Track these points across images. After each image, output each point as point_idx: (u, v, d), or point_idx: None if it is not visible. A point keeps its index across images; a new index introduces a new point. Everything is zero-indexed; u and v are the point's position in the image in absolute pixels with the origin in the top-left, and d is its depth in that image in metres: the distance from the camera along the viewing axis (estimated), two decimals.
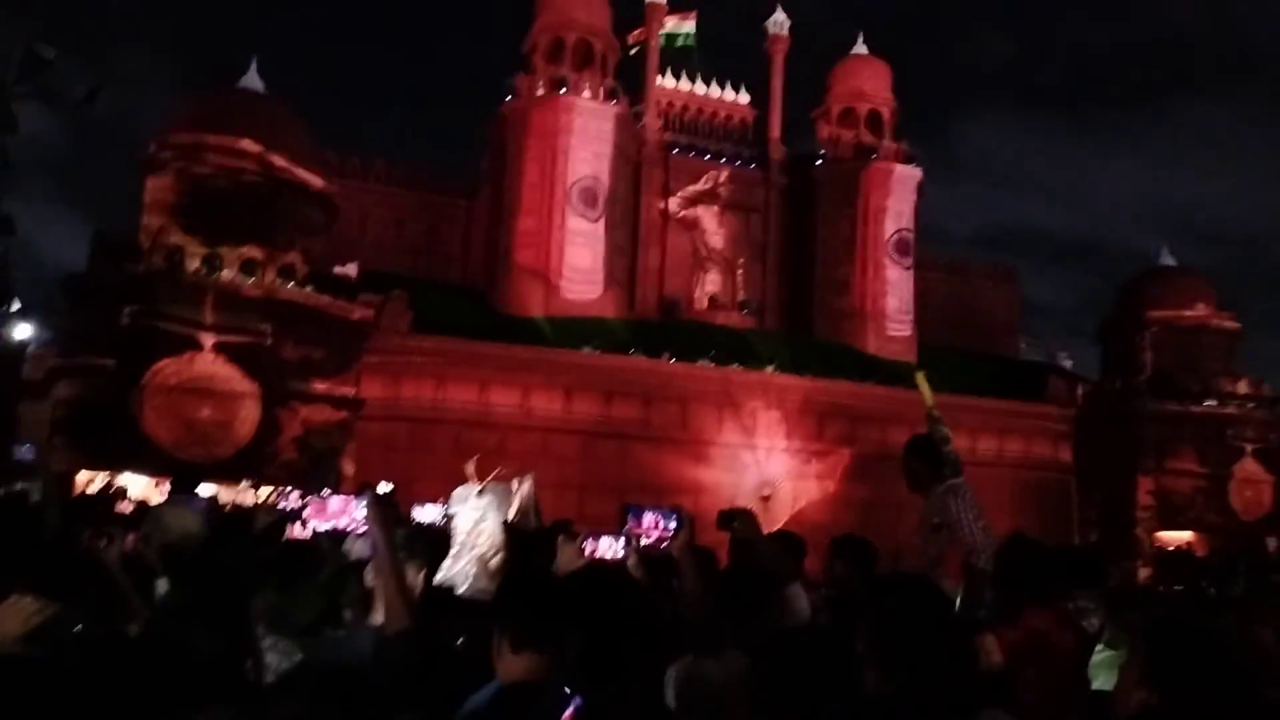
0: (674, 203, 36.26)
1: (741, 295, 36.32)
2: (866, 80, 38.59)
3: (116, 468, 19.59)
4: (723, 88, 38.73)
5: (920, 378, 6.23)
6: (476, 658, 2.95)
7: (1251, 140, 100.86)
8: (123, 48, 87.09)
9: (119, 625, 3.74)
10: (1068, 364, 35.28)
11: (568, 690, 2.47)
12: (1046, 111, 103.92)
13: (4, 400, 21.68)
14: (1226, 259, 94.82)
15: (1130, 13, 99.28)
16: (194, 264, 21.50)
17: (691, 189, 36.47)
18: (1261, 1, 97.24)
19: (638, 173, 35.54)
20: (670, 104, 37.78)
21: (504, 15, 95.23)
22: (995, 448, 29.06)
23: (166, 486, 17.54)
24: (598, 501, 21.92)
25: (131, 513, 8.92)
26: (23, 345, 22.22)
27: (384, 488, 6.31)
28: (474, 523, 5.88)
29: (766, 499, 26.77)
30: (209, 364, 21.03)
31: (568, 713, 2.37)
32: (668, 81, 37.95)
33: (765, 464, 28.04)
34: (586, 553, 6.21)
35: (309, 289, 22.77)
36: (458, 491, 6.17)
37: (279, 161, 23.97)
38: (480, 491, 5.82)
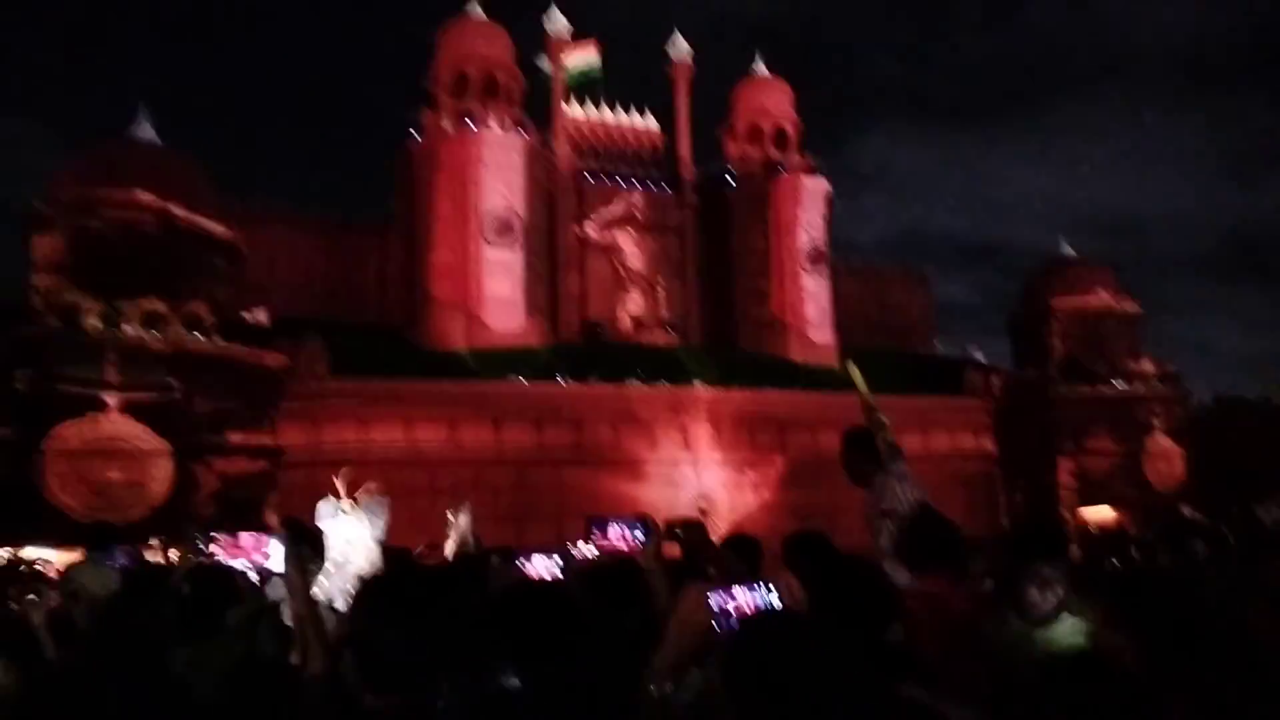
0: (590, 227, 36.34)
1: (665, 314, 36.50)
2: (769, 98, 39.47)
3: (20, 541, 18.44)
4: (629, 112, 39.15)
5: (851, 366, 6.26)
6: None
7: (1124, 135, 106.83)
8: None
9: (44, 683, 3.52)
10: (981, 358, 36.33)
11: None
12: (935, 121, 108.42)
13: None
14: (1119, 248, 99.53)
15: (1002, 24, 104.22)
16: (92, 321, 20.51)
17: (607, 213, 36.61)
18: (1122, 6, 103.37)
19: (552, 200, 35.53)
20: (579, 131, 37.95)
21: (404, 52, 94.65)
22: (920, 444, 29.57)
23: (76, 554, 16.56)
24: (536, 530, 21.56)
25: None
26: None
27: (325, 508, 6.05)
28: (344, 538, 5.71)
29: (704, 512, 26.76)
30: (115, 424, 20.03)
31: None
32: (575, 110, 38.14)
33: (701, 478, 28.07)
34: (530, 572, 6.06)
35: (218, 339, 21.96)
36: (322, 506, 5.97)
37: (177, 210, 23.11)
38: (346, 506, 5.68)
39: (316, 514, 5.87)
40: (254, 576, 5.67)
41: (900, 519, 4.86)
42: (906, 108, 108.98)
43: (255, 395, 22.76)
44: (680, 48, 40.19)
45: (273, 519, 21.41)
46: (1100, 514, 29.00)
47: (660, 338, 35.06)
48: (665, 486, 27.56)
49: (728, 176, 38.60)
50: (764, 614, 2.84)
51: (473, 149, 32.22)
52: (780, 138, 38.94)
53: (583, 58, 38.75)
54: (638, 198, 37.14)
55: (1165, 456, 29.75)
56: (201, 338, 21.59)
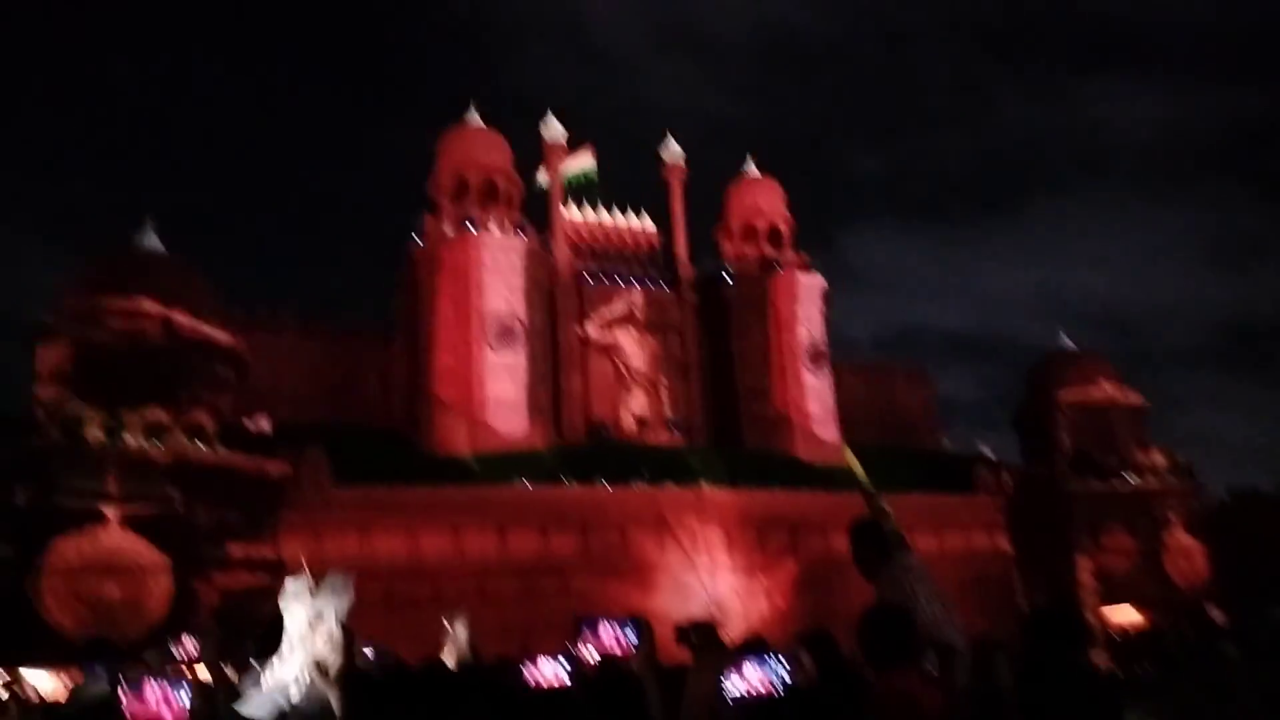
0: (591, 328, 36.46)
1: (668, 413, 36.30)
2: (761, 197, 40.28)
3: (15, 663, 17.68)
4: (626, 213, 39.83)
5: (847, 452, 6.16)
6: None
7: (1108, 228, 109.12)
8: None
9: None
10: (990, 454, 36.04)
11: None
12: (921, 218, 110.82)
13: None
14: (1114, 340, 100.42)
15: (979, 122, 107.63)
16: (94, 433, 20.20)
17: (608, 312, 36.80)
18: (1106, 106, 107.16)
19: (553, 302, 35.75)
20: (578, 233, 38.51)
21: (405, 160, 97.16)
22: (935, 543, 29.03)
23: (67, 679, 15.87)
24: (542, 642, 20.79)
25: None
26: None
27: (291, 586, 5.79)
28: (307, 622, 5.43)
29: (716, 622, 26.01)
30: (115, 538, 19.49)
31: None
32: (573, 212, 38.81)
33: (712, 584, 27.34)
34: (538, 678, 5.77)
35: (220, 448, 21.61)
36: (289, 585, 5.69)
37: (181, 319, 23.08)
38: (314, 587, 5.39)
39: (282, 592, 5.57)
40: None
41: (929, 614, 4.71)
42: (892, 206, 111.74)
43: (257, 505, 22.28)
44: (673, 150, 41.21)
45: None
46: (1123, 614, 28.21)
47: (665, 437, 34.78)
48: (675, 594, 26.84)
49: (725, 274, 39.02)
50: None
51: (474, 252, 32.58)
52: (774, 235, 39.58)
53: (578, 162, 39.72)
54: (637, 296, 37.41)
55: (1186, 553, 29.15)
56: (203, 447, 21.26)
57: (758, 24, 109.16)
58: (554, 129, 39.70)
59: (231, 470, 21.66)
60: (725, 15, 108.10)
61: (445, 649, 9.05)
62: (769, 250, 39.28)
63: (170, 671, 6.00)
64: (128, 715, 4.68)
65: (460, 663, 7.64)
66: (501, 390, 31.54)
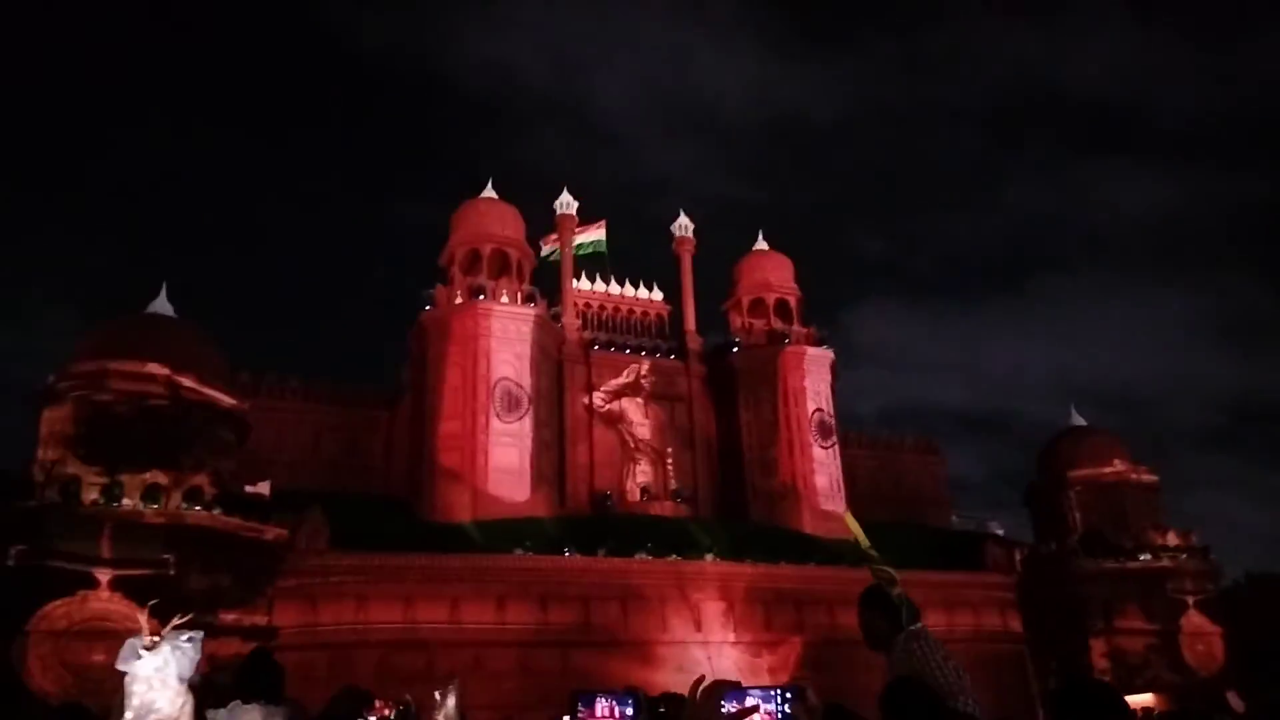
0: (598, 397, 36.43)
1: (673, 484, 35.93)
2: (771, 272, 40.58)
3: None
4: (636, 287, 40.26)
5: (848, 517, 5.96)
6: None
7: (1115, 311, 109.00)
8: (12, 288, 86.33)
9: None
10: (1000, 531, 35.34)
11: None
12: (926, 297, 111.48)
13: None
14: (1120, 420, 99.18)
15: (985, 203, 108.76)
16: (91, 494, 20.12)
17: (615, 382, 36.81)
18: (1108, 188, 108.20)
19: (560, 371, 35.82)
20: (588, 305, 38.84)
21: (420, 235, 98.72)
22: (945, 622, 28.29)
23: None
24: (536, 717, 20.18)
25: None
26: None
27: (127, 648, 5.59)
28: (147, 682, 5.20)
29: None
30: (104, 602, 19.21)
31: None
32: (584, 284, 39.22)
33: (716, 660, 26.58)
34: None
35: (217, 511, 21.45)
36: (129, 643, 5.48)
37: (186, 382, 23.19)
38: (153, 644, 5.18)
39: (121, 653, 5.35)
40: None
41: (943, 682, 4.48)
42: (898, 285, 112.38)
43: (252, 570, 21.98)
44: (682, 223, 41.87)
45: None
46: (1140, 700, 27.19)
47: (669, 509, 34.34)
48: (677, 670, 26.08)
49: (733, 347, 39.07)
50: None
51: (483, 320, 32.81)
52: (783, 309, 39.73)
53: (589, 234, 40.31)
54: (645, 366, 37.45)
55: (1202, 636, 28.18)
56: (200, 510, 21.10)
57: (765, 106, 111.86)
58: (567, 202, 40.46)
59: (227, 533, 21.43)
60: (734, 99, 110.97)
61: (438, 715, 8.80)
62: (778, 323, 39.40)
63: None
64: None
65: None
66: (505, 458, 31.36)
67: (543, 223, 39.92)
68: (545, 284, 37.35)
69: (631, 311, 39.76)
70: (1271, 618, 28.82)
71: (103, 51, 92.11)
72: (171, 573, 20.11)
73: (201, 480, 21.48)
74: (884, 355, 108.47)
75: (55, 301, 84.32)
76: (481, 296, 33.37)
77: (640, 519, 32.26)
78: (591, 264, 40.34)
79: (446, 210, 37.25)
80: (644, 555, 27.66)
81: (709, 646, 26.84)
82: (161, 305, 26.04)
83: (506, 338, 33.03)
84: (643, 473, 35.98)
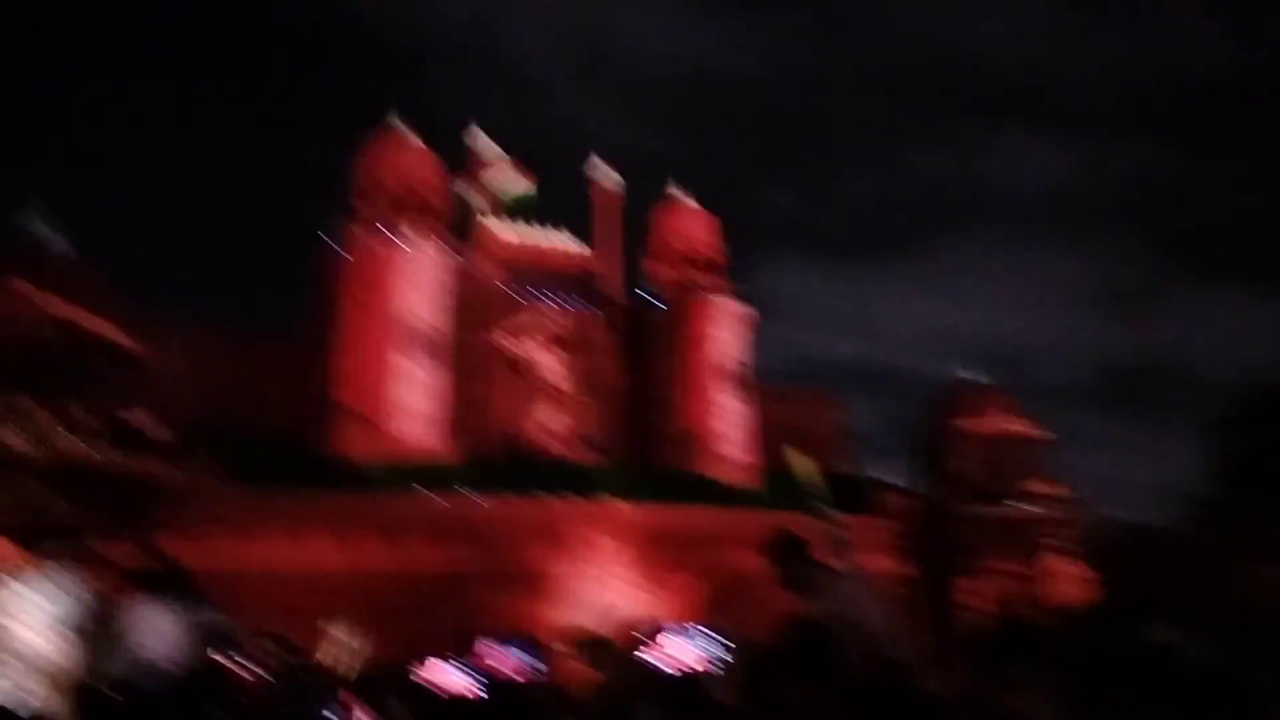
0: (509, 341, 36.12)
1: (584, 430, 36.11)
2: (691, 224, 40.55)
3: None
4: (556, 231, 39.60)
5: (792, 452, 5.93)
6: None
7: (1003, 270, 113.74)
8: None
9: None
10: (886, 479, 36.63)
11: None
12: (826, 253, 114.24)
13: None
14: (1008, 379, 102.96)
15: (886, 164, 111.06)
16: None
17: (523, 324, 36.53)
18: (1005, 156, 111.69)
19: (471, 314, 35.30)
20: (505, 248, 38.18)
21: (323, 170, 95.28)
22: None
23: None
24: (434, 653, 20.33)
25: None
26: None
27: None
28: (23, 623, 5.13)
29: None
30: None
31: None
32: (502, 227, 38.46)
33: (618, 600, 27.14)
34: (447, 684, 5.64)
35: (104, 446, 20.64)
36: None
37: (66, 309, 22.04)
38: (18, 572, 5.10)
39: None
40: None
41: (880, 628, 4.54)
42: (799, 240, 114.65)
43: (136, 507, 21.29)
44: (602, 172, 41.21)
45: None
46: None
47: (578, 454, 34.57)
48: (579, 610, 26.59)
49: (649, 297, 39.16)
50: None
51: (388, 256, 32.07)
52: (698, 262, 39.84)
53: (518, 182, 39.40)
54: (558, 313, 37.26)
55: (1064, 578, 30.14)
56: (82, 445, 20.27)
57: (677, 60, 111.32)
58: (478, 140, 39.47)
59: (110, 470, 20.69)
60: (645, 50, 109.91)
61: (322, 650, 8.68)
62: (692, 274, 39.49)
63: None
64: None
65: (346, 667, 7.30)
66: (409, 398, 31.00)
67: (454, 164, 38.90)
68: (460, 225, 36.60)
69: (548, 258, 39.30)
70: (1144, 563, 30.93)
71: None
72: (50, 509, 19.35)
73: (82, 414, 20.60)
74: (782, 310, 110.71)
75: None
76: (389, 233, 32.56)
77: (545, 462, 32.45)
78: (516, 211, 39.47)
79: (353, 146, 36.03)
80: (548, 496, 27.88)
81: (611, 587, 27.36)
82: (35, 226, 24.53)
83: (413, 275, 32.40)
84: (551, 418, 36.04)
